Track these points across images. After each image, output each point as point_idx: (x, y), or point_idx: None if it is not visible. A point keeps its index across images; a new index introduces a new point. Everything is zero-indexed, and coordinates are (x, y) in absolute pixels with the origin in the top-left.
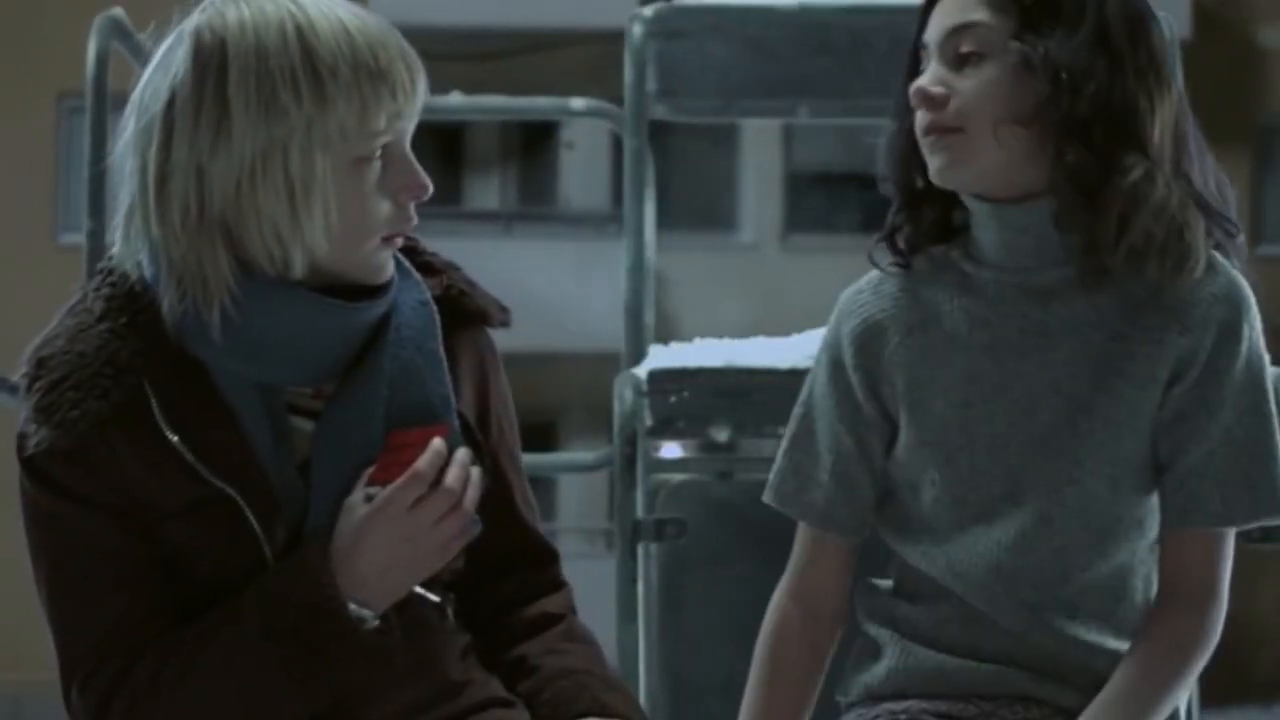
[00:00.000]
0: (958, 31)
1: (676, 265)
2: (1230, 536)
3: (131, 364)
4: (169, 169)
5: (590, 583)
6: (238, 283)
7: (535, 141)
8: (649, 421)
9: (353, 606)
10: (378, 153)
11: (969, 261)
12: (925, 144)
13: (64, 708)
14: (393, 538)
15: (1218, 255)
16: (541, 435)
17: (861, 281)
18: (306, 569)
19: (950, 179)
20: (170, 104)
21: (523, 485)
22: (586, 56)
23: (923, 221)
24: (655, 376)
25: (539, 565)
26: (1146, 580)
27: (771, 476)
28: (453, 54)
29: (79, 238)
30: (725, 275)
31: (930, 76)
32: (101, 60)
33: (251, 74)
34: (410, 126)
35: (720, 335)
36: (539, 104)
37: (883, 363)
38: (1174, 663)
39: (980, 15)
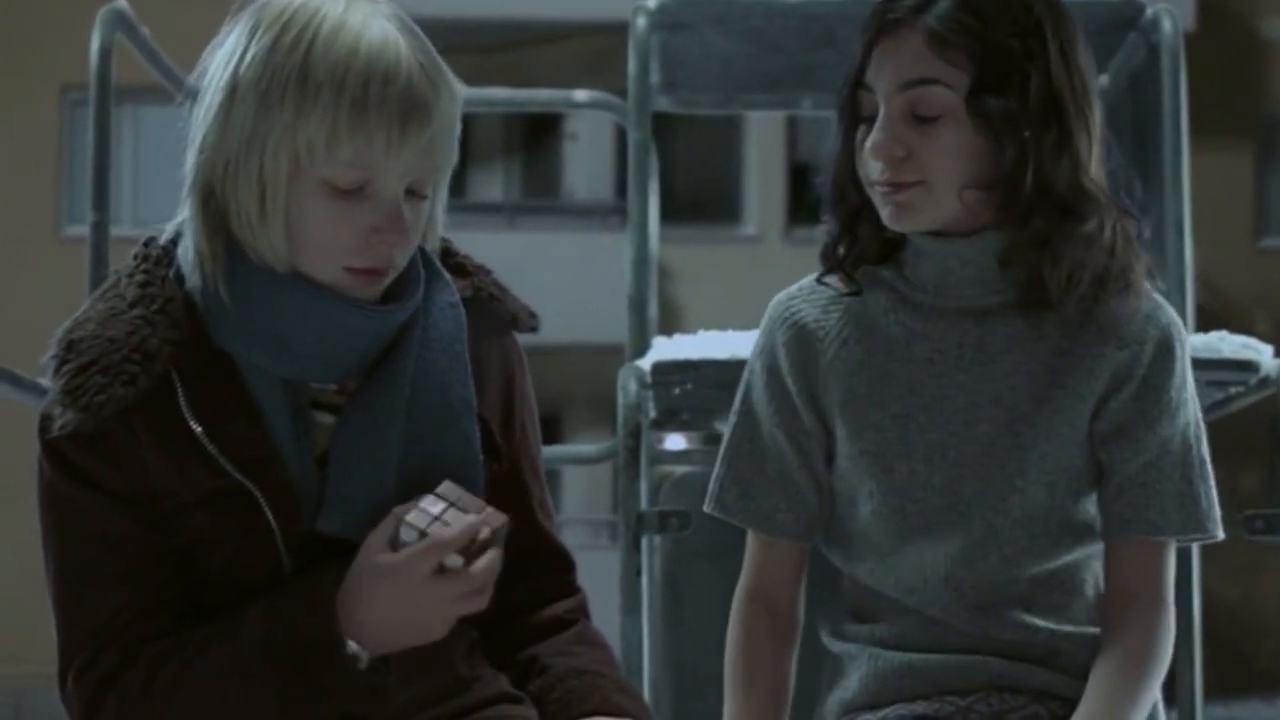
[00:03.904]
0: (912, 87)
1: (680, 257)
2: (1171, 545)
3: (160, 352)
4: (194, 132)
5: (594, 575)
6: (240, 270)
7: (539, 133)
8: (652, 414)
9: (351, 644)
10: (349, 184)
11: (905, 283)
12: (878, 193)
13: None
14: (399, 597)
15: (1148, 286)
16: (545, 428)
17: (794, 288)
18: (313, 594)
19: (905, 227)
20: (213, 70)
21: (541, 492)
22: (590, 48)
23: (861, 240)
24: (659, 368)
25: (554, 571)
26: (1096, 575)
27: (712, 485)
28: (456, 46)
29: (83, 230)
30: (728, 267)
31: (887, 135)
32: (105, 53)
33: (260, 62)
34: (400, 170)
35: (723, 327)
36: (542, 96)
37: (820, 371)
38: (1138, 679)
39: (934, 71)
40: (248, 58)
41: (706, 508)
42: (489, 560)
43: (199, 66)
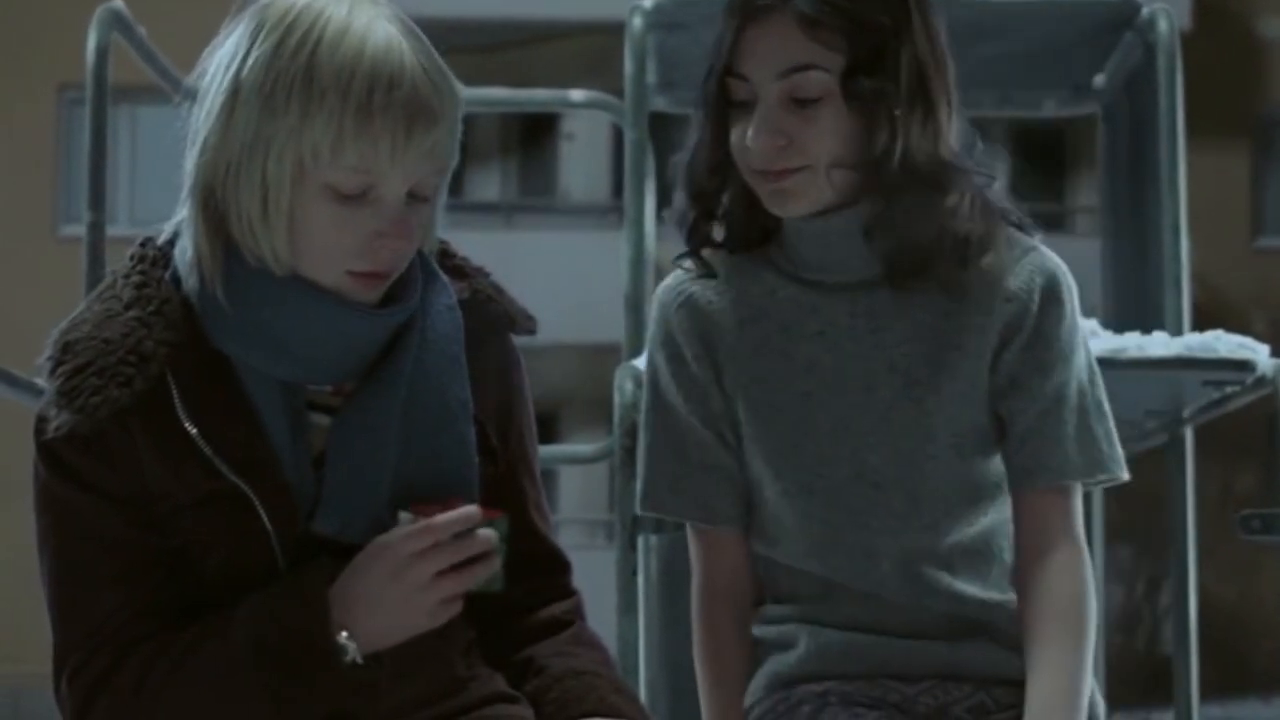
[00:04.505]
0: (789, 75)
1: None
2: (1077, 489)
3: (156, 353)
4: (194, 133)
5: (591, 574)
6: (239, 272)
7: (536, 133)
8: None
9: (343, 635)
10: (352, 189)
11: (789, 262)
12: (760, 181)
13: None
14: (387, 575)
15: (1022, 235)
16: (542, 427)
17: (680, 273)
18: (304, 589)
19: (790, 211)
20: (214, 71)
21: (537, 494)
22: (588, 48)
23: (733, 227)
24: None
25: (550, 573)
26: (1008, 538)
27: (640, 485)
28: (455, 46)
29: (79, 229)
30: None
31: (767, 125)
32: (102, 52)
33: (263, 65)
34: (404, 175)
35: None
36: (539, 96)
37: (721, 354)
38: (1076, 624)
39: (811, 56)
40: (250, 60)
41: (639, 509)
42: (481, 538)
43: (198, 67)
